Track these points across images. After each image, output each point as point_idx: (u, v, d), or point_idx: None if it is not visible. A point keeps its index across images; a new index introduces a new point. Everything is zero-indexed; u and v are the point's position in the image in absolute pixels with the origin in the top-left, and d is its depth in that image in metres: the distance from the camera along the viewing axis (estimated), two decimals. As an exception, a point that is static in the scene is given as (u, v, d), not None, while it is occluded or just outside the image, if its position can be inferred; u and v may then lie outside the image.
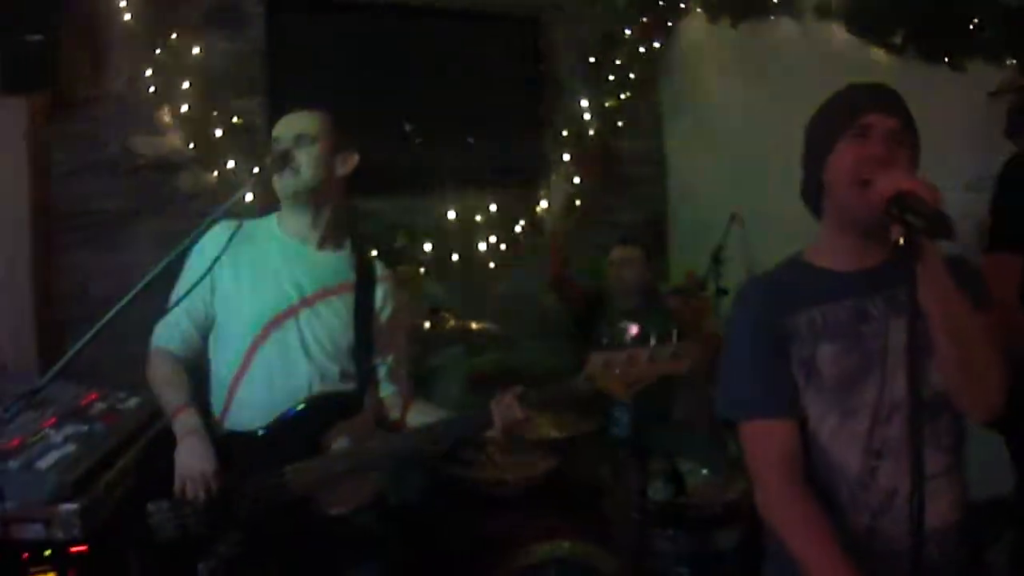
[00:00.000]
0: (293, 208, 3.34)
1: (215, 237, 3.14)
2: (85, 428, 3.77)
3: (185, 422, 3.18)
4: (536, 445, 4.81)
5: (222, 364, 3.32)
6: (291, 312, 3.26)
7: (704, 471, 4.52)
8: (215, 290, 3.27)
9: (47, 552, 3.28)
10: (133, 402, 3.94)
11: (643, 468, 4.26)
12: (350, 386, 3.30)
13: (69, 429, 3.72)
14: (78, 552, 3.30)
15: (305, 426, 3.20)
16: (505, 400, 3.15)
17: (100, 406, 4.04)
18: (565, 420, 4.86)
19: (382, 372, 3.46)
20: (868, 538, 2.38)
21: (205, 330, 3.36)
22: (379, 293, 3.42)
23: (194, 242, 3.01)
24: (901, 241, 2.09)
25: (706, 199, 6.52)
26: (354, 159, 3.37)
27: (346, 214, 3.45)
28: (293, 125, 3.37)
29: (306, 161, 3.28)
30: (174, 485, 3.09)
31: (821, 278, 2.50)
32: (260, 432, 3.20)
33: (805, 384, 2.44)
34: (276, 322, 3.24)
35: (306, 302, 3.27)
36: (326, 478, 3.15)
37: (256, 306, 3.26)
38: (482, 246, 6.33)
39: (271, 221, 3.38)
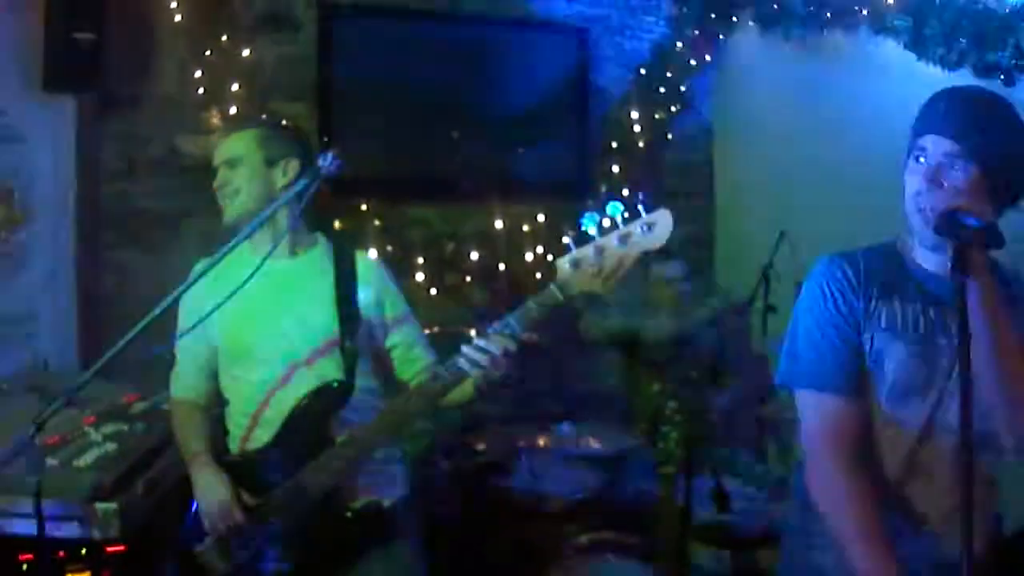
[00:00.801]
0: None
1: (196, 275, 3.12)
2: (125, 427, 3.76)
3: (198, 465, 3.20)
4: (582, 459, 4.77)
5: (239, 396, 3.31)
6: (306, 362, 3.23)
7: (749, 489, 4.48)
8: (209, 326, 3.24)
9: (83, 551, 3.27)
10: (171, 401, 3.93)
11: (689, 485, 4.21)
12: (340, 376, 3.23)
13: (109, 428, 3.71)
14: (115, 552, 3.29)
15: (308, 425, 3.17)
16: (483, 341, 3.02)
17: (141, 406, 4.03)
18: (612, 434, 4.82)
19: (417, 351, 3.41)
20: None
21: (212, 365, 3.37)
22: (374, 292, 3.34)
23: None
24: (951, 265, 2.07)
25: (754, 215, 6.45)
26: (294, 165, 3.26)
27: (312, 212, 3.38)
28: (222, 152, 3.31)
29: (239, 185, 3.23)
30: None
31: (916, 271, 2.46)
32: (269, 444, 3.18)
33: (866, 375, 2.40)
34: (294, 368, 3.22)
35: (318, 352, 3.23)
36: (342, 469, 3.11)
37: (263, 343, 3.24)
38: (528, 256, 6.27)
39: (242, 245, 3.34)
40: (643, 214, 2.67)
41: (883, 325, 2.39)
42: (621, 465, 4.79)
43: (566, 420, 5.03)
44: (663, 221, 2.63)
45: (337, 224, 5.64)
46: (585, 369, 5.93)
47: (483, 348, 2.87)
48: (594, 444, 4.76)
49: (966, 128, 2.34)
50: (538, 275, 6.21)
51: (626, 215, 2.66)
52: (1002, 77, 5.29)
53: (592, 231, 2.69)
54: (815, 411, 2.44)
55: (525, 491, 4.62)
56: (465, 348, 2.88)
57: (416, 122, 6.12)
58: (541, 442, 4.82)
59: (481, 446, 4.91)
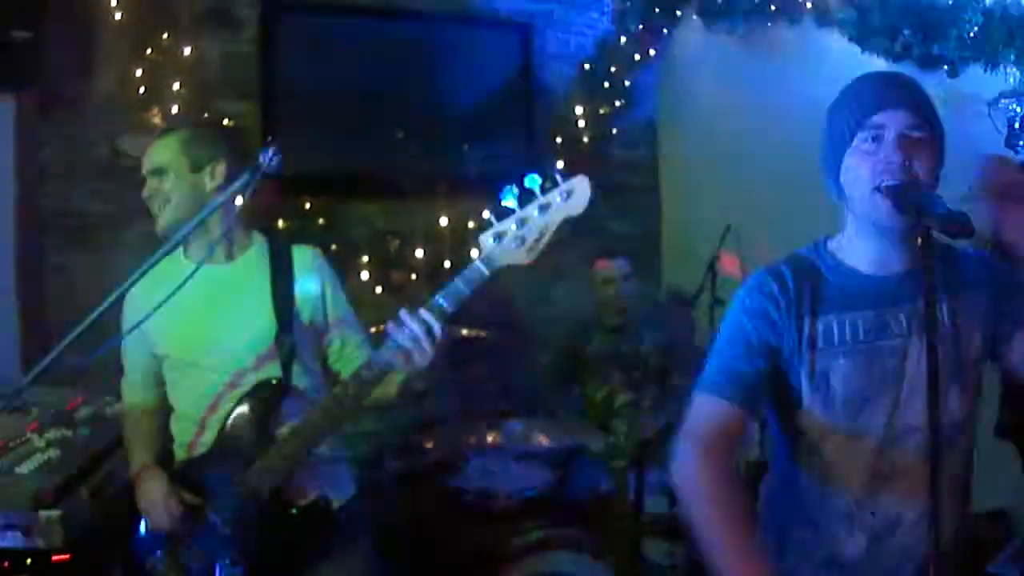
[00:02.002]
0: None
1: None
2: (69, 433, 3.71)
3: (143, 472, 3.23)
4: (532, 456, 4.76)
5: (185, 403, 3.30)
6: (253, 368, 3.21)
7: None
8: (151, 334, 3.22)
9: (28, 561, 3.22)
10: (120, 407, 3.87)
11: (640, 480, 4.21)
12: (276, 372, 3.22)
13: (52, 433, 3.66)
14: (60, 561, 3.24)
15: (248, 425, 3.15)
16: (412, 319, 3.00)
17: (85, 411, 3.98)
18: (562, 431, 4.81)
19: (354, 349, 3.40)
20: (866, 561, 2.32)
21: (158, 372, 3.36)
22: (313, 282, 3.31)
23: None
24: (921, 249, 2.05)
25: (700, 209, 6.45)
26: (221, 167, 3.23)
27: (253, 211, 3.36)
28: (147, 161, 3.27)
29: (168, 194, 3.20)
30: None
31: (845, 279, 2.40)
32: (212, 446, 3.17)
33: (812, 395, 2.34)
34: (241, 374, 3.20)
35: (264, 358, 3.22)
36: (284, 467, 3.08)
37: (207, 352, 3.22)
38: (474, 253, 6.21)
39: (180, 252, 3.31)
40: (560, 183, 2.66)
41: (821, 344, 2.34)
42: (572, 461, 4.78)
43: (515, 417, 5.01)
44: (581, 187, 2.62)
45: (280, 223, 5.61)
46: (534, 366, 5.92)
47: (407, 329, 2.84)
48: (544, 441, 4.74)
49: (917, 100, 2.33)
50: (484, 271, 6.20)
51: (545, 185, 2.65)
52: (947, 68, 5.33)
53: (512, 204, 2.68)
54: (701, 411, 2.37)
55: (475, 490, 4.60)
56: (390, 328, 2.86)
57: (361, 119, 6.09)
58: (491, 440, 4.80)
59: (430, 445, 4.89)
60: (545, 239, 2.70)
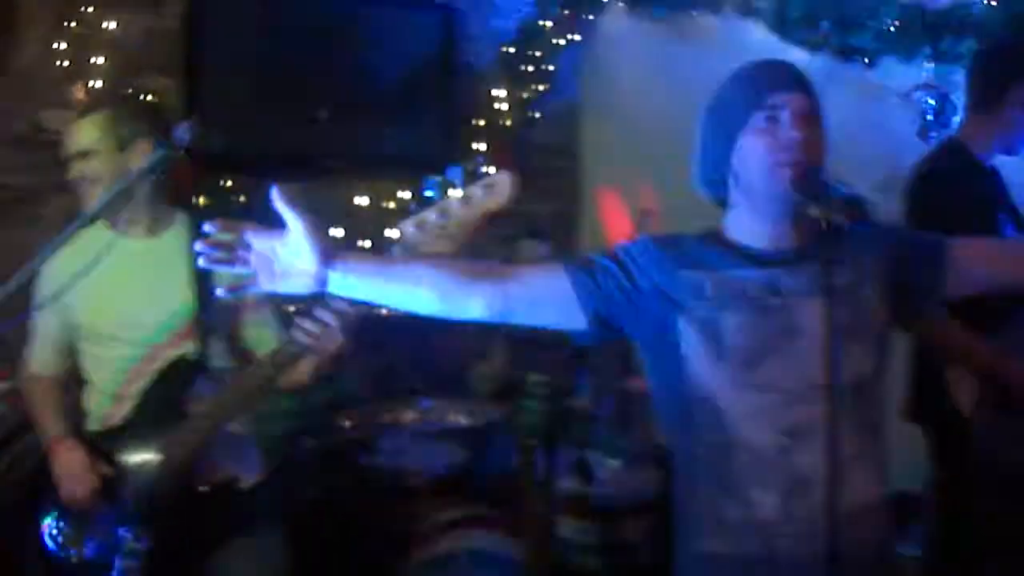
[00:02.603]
0: None
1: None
2: (-13, 408, 3.69)
3: (57, 442, 3.25)
4: (447, 434, 4.78)
5: (100, 376, 3.34)
6: (170, 343, 3.26)
7: (612, 461, 4.52)
8: (68, 304, 3.23)
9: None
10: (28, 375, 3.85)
11: (551, 459, 4.24)
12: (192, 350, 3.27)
13: (-31, 408, 3.64)
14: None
15: (162, 400, 3.19)
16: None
17: (2, 386, 3.95)
18: (476, 409, 4.83)
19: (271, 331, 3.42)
20: (780, 519, 2.33)
21: (69, 342, 3.38)
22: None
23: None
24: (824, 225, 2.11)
25: (621, 193, 6.50)
26: (145, 145, 3.27)
27: (172, 188, 3.37)
28: (72, 143, 3.31)
29: (96, 175, 3.24)
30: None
31: (731, 248, 2.45)
32: (127, 419, 3.20)
33: (701, 348, 2.38)
34: (158, 349, 3.24)
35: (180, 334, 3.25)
36: (196, 442, 3.12)
37: (123, 324, 3.27)
38: (392, 233, 6.22)
39: (101, 225, 3.31)
40: (484, 176, 2.71)
41: (709, 295, 2.38)
42: (486, 439, 4.80)
43: (431, 396, 5.02)
44: (502, 182, 2.65)
45: (202, 200, 5.58)
46: (449, 344, 5.93)
47: (317, 318, 2.88)
48: (459, 418, 4.76)
49: (808, 85, 2.42)
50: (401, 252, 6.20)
51: (468, 177, 2.72)
52: (864, 60, 5.42)
53: (435, 194, 2.73)
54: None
55: (390, 468, 4.62)
56: (300, 317, 2.90)
57: (283, 97, 6.06)
58: (406, 418, 4.81)
59: (344, 423, 4.89)
60: (466, 231, 2.74)
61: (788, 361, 2.34)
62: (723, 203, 2.53)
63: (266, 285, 2.36)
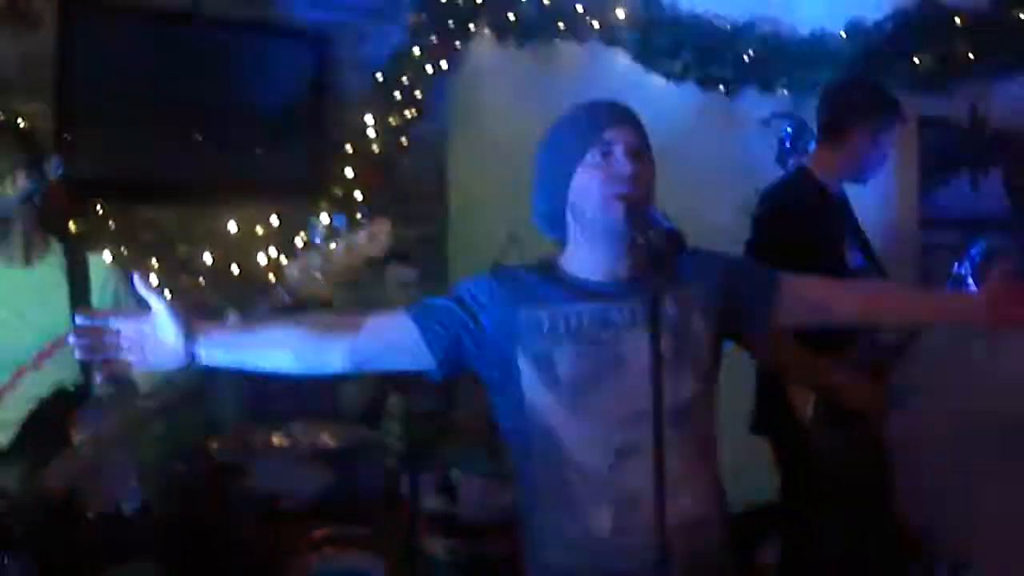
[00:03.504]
0: None
1: None
2: None
3: None
4: (316, 457, 4.82)
5: None
6: (34, 365, 3.26)
7: (478, 480, 4.58)
8: None
9: None
10: None
11: (416, 478, 4.30)
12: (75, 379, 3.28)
13: None
14: None
15: (45, 429, 3.19)
16: None
17: None
18: (342, 430, 4.88)
19: None
20: (614, 535, 2.45)
21: None
22: (110, 298, 3.38)
23: None
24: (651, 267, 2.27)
25: (487, 218, 6.58)
26: (22, 175, 3.24)
27: (47, 217, 3.41)
28: None
29: None
30: None
31: (567, 281, 2.58)
32: (6, 448, 3.19)
33: (538, 380, 2.49)
34: (22, 371, 3.25)
35: (45, 355, 3.26)
36: (79, 472, 3.15)
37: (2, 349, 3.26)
38: (262, 258, 6.26)
39: None
40: (366, 224, 2.81)
41: (545, 330, 2.49)
42: (355, 461, 4.85)
43: (301, 419, 5.06)
44: (383, 232, 2.77)
45: (74, 227, 5.55)
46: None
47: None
48: (328, 441, 4.81)
49: (639, 124, 2.57)
50: (271, 277, 6.21)
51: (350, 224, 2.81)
52: (725, 90, 5.58)
53: (319, 240, 2.81)
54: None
55: (261, 491, 4.64)
56: None
57: (156, 123, 6.06)
58: (276, 442, 4.85)
59: (215, 448, 4.91)
60: (345, 276, 2.84)
61: (616, 389, 2.46)
62: (560, 238, 2.65)
63: (139, 363, 2.49)
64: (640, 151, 2.51)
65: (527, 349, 2.50)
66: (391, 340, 2.60)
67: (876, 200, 4.28)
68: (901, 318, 2.77)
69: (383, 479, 4.70)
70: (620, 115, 2.56)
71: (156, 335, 2.45)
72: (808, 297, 2.67)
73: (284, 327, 2.57)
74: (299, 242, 2.97)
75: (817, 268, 3.09)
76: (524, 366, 2.50)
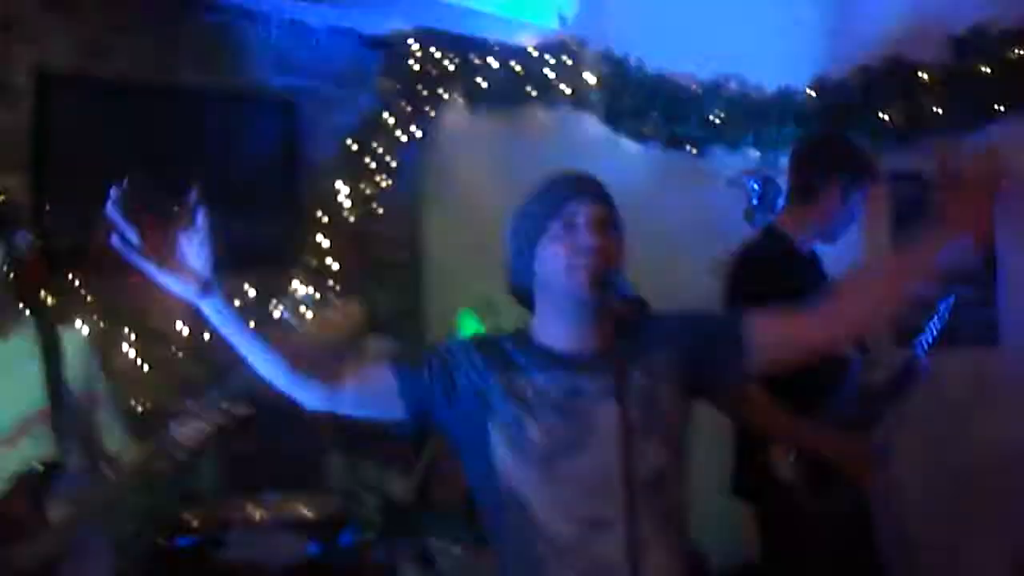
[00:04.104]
0: None
1: None
2: None
3: None
4: (294, 526, 4.79)
5: None
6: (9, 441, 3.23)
7: (456, 550, 4.56)
8: None
9: None
10: None
11: (392, 547, 4.28)
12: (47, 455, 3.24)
13: None
14: None
15: (19, 507, 3.15)
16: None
17: None
18: (318, 500, 4.86)
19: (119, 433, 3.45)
20: None
21: None
22: (81, 372, 3.39)
23: None
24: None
25: (463, 285, 6.59)
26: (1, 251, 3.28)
27: (22, 290, 3.41)
28: None
29: None
30: None
31: (538, 351, 2.58)
32: None
33: (508, 446, 2.49)
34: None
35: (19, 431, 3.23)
36: (53, 551, 3.11)
37: None
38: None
39: None
40: (335, 301, 2.86)
41: (515, 398, 2.50)
42: (332, 531, 4.82)
43: (277, 490, 5.04)
44: (353, 308, 2.83)
45: (49, 299, 5.54)
46: (294, 438, 5.93)
47: (193, 424, 2.98)
48: (304, 511, 4.78)
49: (605, 194, 2.58)
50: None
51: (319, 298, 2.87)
52: (694, 149, 5.61)
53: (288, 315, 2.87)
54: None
55: (239, 562, 4.61)
56: (174, 425, 2.98)
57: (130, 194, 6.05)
58: (253, 512, 4.81)
59: (195, 523, 4.88)
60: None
61: (585, 458, 2.46)
62: (530, 308, 2.66)
63: (158, 271, 2.53)
64: (605, 222, 2.53)
65: (498, 414, 2.51)
66: (369, 388, 2.61)
67: (848, 255, 4.27)
68: (877, 303, 2.68)
69: (361, 549, 4.67)
70: (585, 187, 2.59)
71: (189, 253, 2.53)
72: (777, 330, 2.65)
73: (276, 349, 2.55)
74: (275, 313, 3.00)
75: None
76: (494, 431, 2.51)
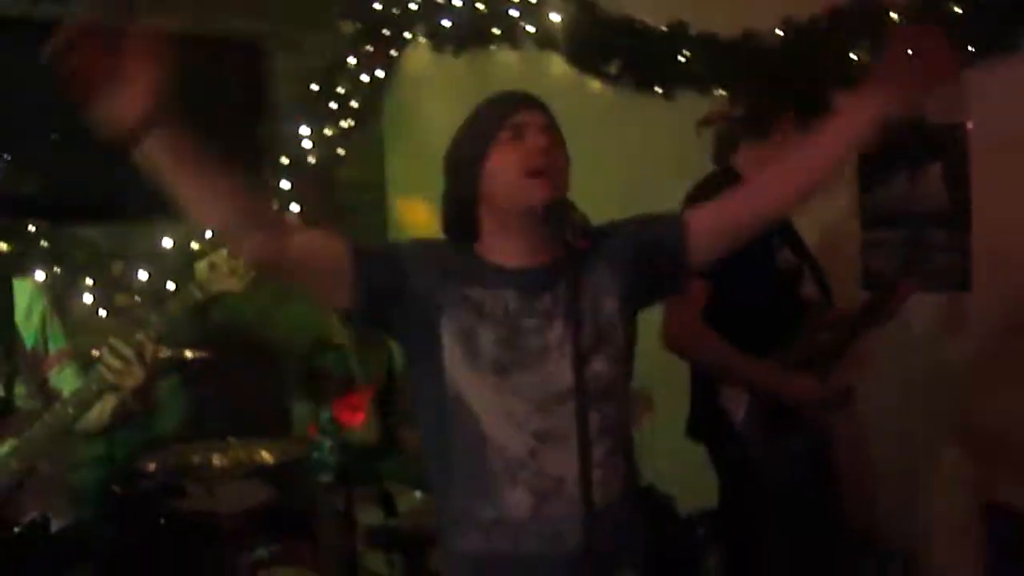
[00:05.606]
0: None
1: None
2: None
3: None
4: (251, 473, 4.75)
5: None
6: None
7: (416, 493, 4.55)
8: None
9: None
10: None
11: (349, 492, 4.26)
12: None
13: None
14: None
15: None
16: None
17: None
18: (278, 446, 4.82)
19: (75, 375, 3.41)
20: (533, 520, 2.45)
21: None
22: (35, 319, 3.38)
23: None
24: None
25: (427, 226, 6.55)
26: None
27: None
28: None
29: None
30: None
31: (488, 268, 2.56)
32: None
33: (460, 355, 2.48)
34: None
35: None
36: (5, 483, 3.11)
37: None
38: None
39: None
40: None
41: (468, 306, 2.48)
42: (293, 477, 4.80)
43: (239, 436, 5.00)
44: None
45: (4, 246, 5.49)
46: (255, 383, 5.91)
47: (118, 351, 2.94)
48: (265, 457, 4.74)
49: (547, 108, 2.58)
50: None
51: None
52: (659, 90, 5.55)
53: None
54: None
55: (199, 510, 4.59)
56: (102, 351, 2.95)
57: (83, 141, 5.98)
58: (214, 459, 4.77)
59: (153, 467, 4.84)
60: (255, 271, 2.82)
61: (537, 373, 2.46)
62: (468, 238, 2.61)
63: (99, 89, 2.26)
64: (552, 133, 2.53)
65: (451, 323, 2.49)
66: (317, 258, 2.50)
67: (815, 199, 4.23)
68: (808, 172, 2.62)
69: (319, 494, 4.65)
70: (530, 99, 2.59)
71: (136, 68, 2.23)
72: (711, 220, 2.66)
73: (232, 186, 2.46)
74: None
75: (743, 265, 3.10)
76: (447, 339, 2.48)
